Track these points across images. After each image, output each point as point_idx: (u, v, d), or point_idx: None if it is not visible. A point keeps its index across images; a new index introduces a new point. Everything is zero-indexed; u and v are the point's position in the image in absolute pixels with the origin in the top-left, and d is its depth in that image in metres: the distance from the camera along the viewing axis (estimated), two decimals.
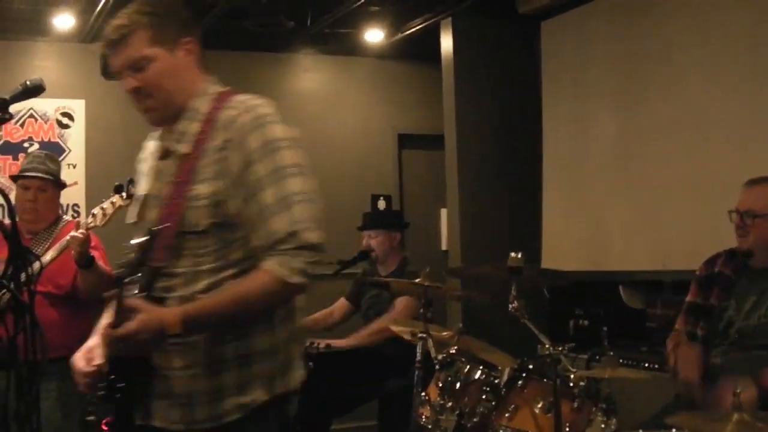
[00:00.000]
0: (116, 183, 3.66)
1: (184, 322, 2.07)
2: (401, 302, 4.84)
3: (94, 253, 3.87)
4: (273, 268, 2.09)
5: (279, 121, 2.20)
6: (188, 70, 2.29)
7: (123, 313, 2.11)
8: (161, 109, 2.28)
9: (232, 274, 2.16)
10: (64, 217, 4.38)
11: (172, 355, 2.16)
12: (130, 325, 2.05)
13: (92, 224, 3.66)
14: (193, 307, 2.12)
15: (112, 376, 2.17)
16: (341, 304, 5.32)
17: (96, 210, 3.68)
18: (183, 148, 2.24)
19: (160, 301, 2.16)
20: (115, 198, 3.64)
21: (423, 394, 3.59)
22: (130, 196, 3.57)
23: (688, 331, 3.58)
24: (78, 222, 3.82)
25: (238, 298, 2.12)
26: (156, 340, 2.10)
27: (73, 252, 3.76)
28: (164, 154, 2.31)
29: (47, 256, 3.82)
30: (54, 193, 4.16)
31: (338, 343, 4.90)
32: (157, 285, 2.19)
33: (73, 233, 3.71)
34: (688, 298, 3.64)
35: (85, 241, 3.72)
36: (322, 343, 4.80)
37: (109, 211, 3.64)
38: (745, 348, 3.30)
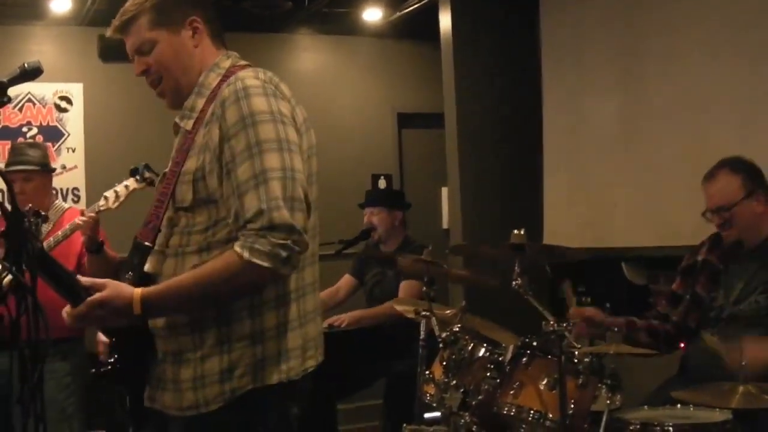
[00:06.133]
0: (132, 166, 3.61)
1: (143, 302, 2.04)
2: (405, 286, 4.82)
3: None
4: (237, 249, 1.99)
5: (264, 93, 2.11)
6: (196, 48, 2.27)
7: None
8: (173, 92, 2.28)
9: (217, 255, 2.08)
10: (61, 203, 4.34)
11: (164, 340, 2.16)
12: (84, 305, 2.05)
13: (104, 207, 3.60)
14: (155, 287, 2.08)
15: (114, 356, 2.18)
16: (347, 280, 5.30)
17: (108, 192, 3.61)
18: (187, 124, 2.23)
19: (152, 280, 2.15)
20: (130, 181, 3.58)
21: (427, 372, 3.59)
22: (144, 180, 3.55)
23: (663, 314, 3.70)
24: (83, 210, 3.78)
25: (201, 279, 2.04)
26: (116, 318, 2.07)
27: (82, 237, 3.73)
28: (175, 130, 2.30)
29: (49, 241, 3.81)
30: (41, 181, 4.13)
31: (342, 319, 4.88)
32: (150, 264, 2.18)
33: (82, 217, 3.66)
34: (672, 287, 3.73)
35: (95, 225, 3.69)
36: (324, 324, 4.79)
37: (123, 193, 3.57)
38: (737, 331, 3.31)
